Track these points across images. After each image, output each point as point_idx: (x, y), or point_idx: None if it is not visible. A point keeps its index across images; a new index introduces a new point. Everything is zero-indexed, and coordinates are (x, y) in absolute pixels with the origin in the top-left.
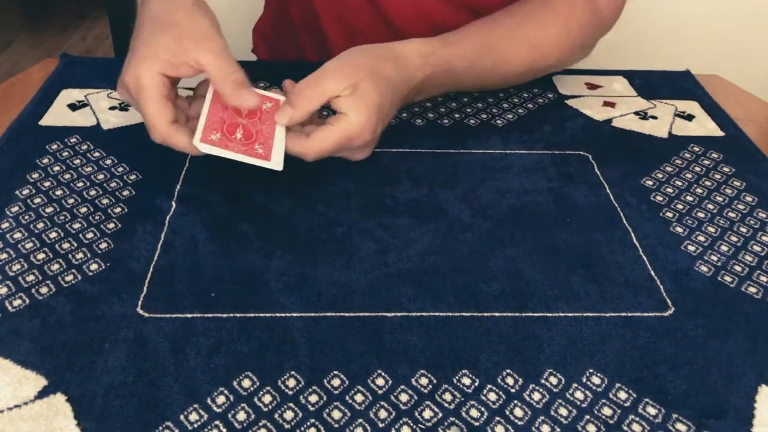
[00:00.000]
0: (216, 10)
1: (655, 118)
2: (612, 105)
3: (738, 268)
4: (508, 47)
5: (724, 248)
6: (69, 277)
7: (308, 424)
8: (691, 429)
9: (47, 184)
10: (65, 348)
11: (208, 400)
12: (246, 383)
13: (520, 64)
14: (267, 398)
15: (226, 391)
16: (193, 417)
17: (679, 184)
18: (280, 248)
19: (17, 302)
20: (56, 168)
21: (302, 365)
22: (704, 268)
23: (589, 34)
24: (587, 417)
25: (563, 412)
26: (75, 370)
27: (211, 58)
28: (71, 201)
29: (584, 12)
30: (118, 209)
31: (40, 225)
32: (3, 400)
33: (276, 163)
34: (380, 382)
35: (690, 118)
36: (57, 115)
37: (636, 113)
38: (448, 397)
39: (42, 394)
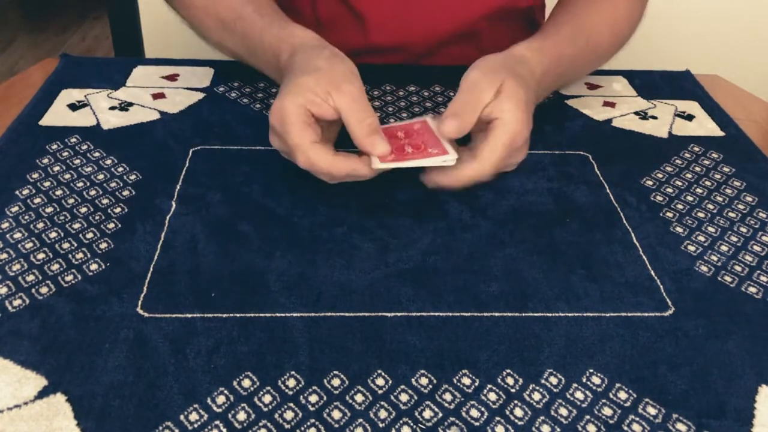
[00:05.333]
0: None
1: (655, 118)
2: (612, 105)
3: (738, 268)
4: (595, 28)
5: (724, 248)
6: (69, 277)
7: (308, 424)
8: (691, 429)
9: (47, 184)
10: (65, 348)
11: (208, 400)
12: (246, 383)
13: (605, 42)
14: (267, 398)
15: (226, 391)
16: (193, 417)
17: (679, 184)
18: (280, 248)
19: (17, 302)
20: (56, 168)
21: (302, 365)
22: (704, 268)
23: (644, 7)
24: (587, 417)
25: (563, 412)
26: (75, 370)
27: (347, 101)
28: (71, 201)
29: None
30: (118, 209)
31: (40, 225)
32: (3, 400)
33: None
34: (380, 382)
35: (690, 118)
36: (57, 115)
37: (636, 113)
38: (448, 397)
39: (42, 394)
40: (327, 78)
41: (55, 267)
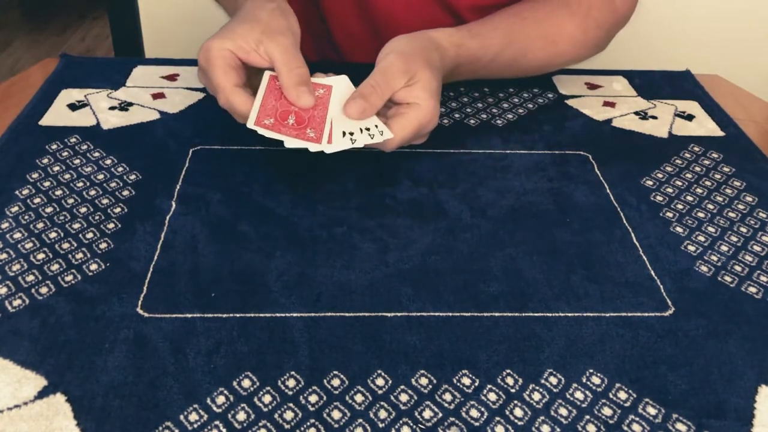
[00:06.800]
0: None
1: (655, 118)
2: (612, 105)
3: (738, 268)
4: (528, 43)
5: (724, 248)
6: (69, 277)
7: (308, 424)
8: (691, 429)
9: (47, 184)
10: (65, 348)
11: (208, 400)
12: (246, 383)
13: (537, 59)
14: (267, 398)
15: (226, 391)
16: (193, 417)
17: (679, 184)
18: (280, 248)
19: (17, 302)
20: (56, 168)
21: (302, 365)
22: (704, 268)
23: (605, 33)
24: (587, 417)
25: (563, 412)
26: (75, 370)
27: (280, 51)
28: (71, 201)
29: (601, 11)
30: (118, 209)
31: (40, 225)
32: (3, 400)
33: (332, 146)
34: (380, 382)
35: (690, 118)
36: (57, 115)
37: (636, 113)
38: (448, 397)
39: (42, 394)
40: (261, 28)
41: (55, 267)
